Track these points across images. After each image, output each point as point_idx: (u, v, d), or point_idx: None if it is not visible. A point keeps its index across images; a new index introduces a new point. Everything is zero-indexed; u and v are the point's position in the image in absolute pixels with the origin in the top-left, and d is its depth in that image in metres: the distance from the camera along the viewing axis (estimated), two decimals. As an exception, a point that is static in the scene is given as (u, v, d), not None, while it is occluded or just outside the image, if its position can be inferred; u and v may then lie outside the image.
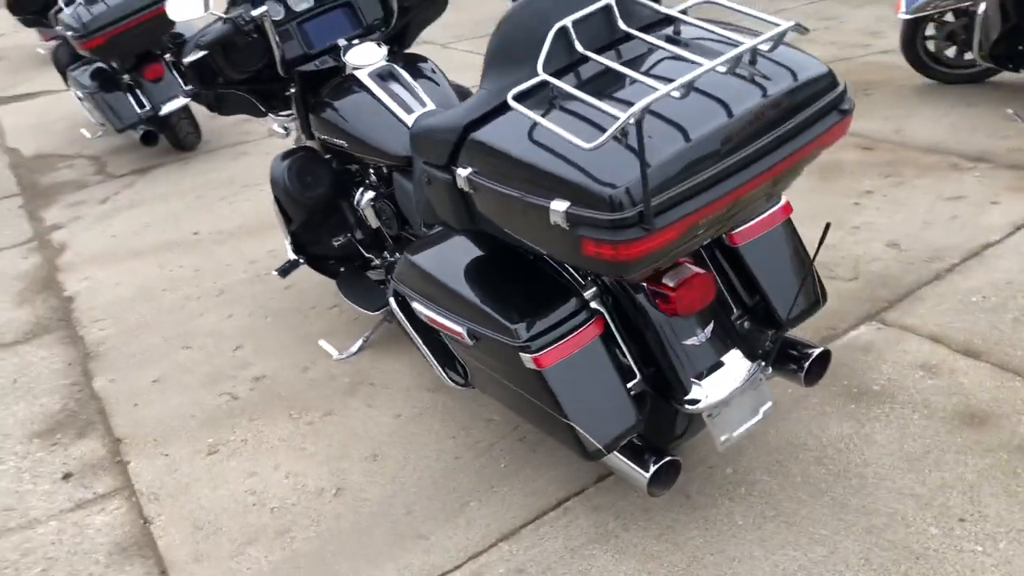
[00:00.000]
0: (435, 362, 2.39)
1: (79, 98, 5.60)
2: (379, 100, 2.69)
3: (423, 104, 2.65)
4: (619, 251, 1.64)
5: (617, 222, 1.61)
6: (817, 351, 2.17)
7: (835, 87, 1.80)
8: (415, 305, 2.23)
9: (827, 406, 2.54)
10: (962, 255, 3.24)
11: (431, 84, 2.78)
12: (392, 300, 2.38)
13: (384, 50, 2.85)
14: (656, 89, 1.60)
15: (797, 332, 2.78)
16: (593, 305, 2.04)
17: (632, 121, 1.60)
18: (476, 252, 2.13)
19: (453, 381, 2.37)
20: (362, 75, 2.77)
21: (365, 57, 2.83)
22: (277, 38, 2.82)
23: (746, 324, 2.22)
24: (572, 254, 1.74)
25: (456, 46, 7.59)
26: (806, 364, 2.16)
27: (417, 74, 2.80)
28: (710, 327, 2.07)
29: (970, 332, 2.78)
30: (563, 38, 1.84)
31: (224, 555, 2.34)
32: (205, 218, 4.62)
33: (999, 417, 2.41)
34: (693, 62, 1.71)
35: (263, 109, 3.10)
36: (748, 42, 1.70)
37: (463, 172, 1.90)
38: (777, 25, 1.75)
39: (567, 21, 1.83)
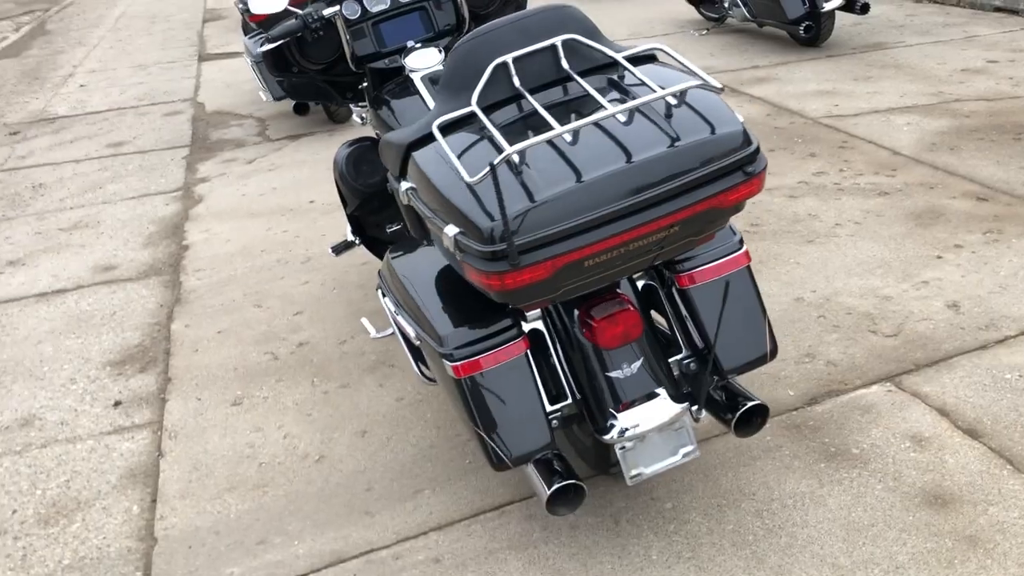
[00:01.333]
0: (410, 355, 2.55)
1: (249, 64, 6.14)
2: (424, 103, 2.86)
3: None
4: (492, 281, 1.74)
5: (491, 253, 1.71)
6: (752, 404, 2.15)
7: (745, 147, 1.80)
8: (385, 300, 2.41)
9: (796, 460, 2.51)
10: (1021, 328, 3.03)
11: None
12: (379, 293, 2.57)
13: (441, 56, 3.02)
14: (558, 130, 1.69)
15: (774, 381, 2.75)
16: (533, 326, 2.15)
17: (515, 159, 1.70)
18: (440, 263, 2.27)
19: (424, 376, 2.53)
20: (415, 77, 2.95)
21: (422, 61, 3.01)
22: (348, 36, 3.05)
23: (692, 366, 2.25)
24: (465, 276, 1.86)
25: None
26: (736, 414, 2.15)
27: None
28: (638, 363, 2.12)
29: (984, 410, 2.63)
30: (505, 73, 1.95)
31: (206, 496, 2.62)
32: (324, 189, 4.99)
33: (964, 503, 2.30)
34: (604, 107, 1.77)
35: (338, 98, 3.35)
36: (652, 95, 1.75)
37: (404, 186, 2.05)
38: (701, 81, 1.78)
39: (508, 58, 1.93)
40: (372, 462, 2.69)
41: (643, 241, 1.80)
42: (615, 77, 1.97)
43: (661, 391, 2.11)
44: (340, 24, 3.03)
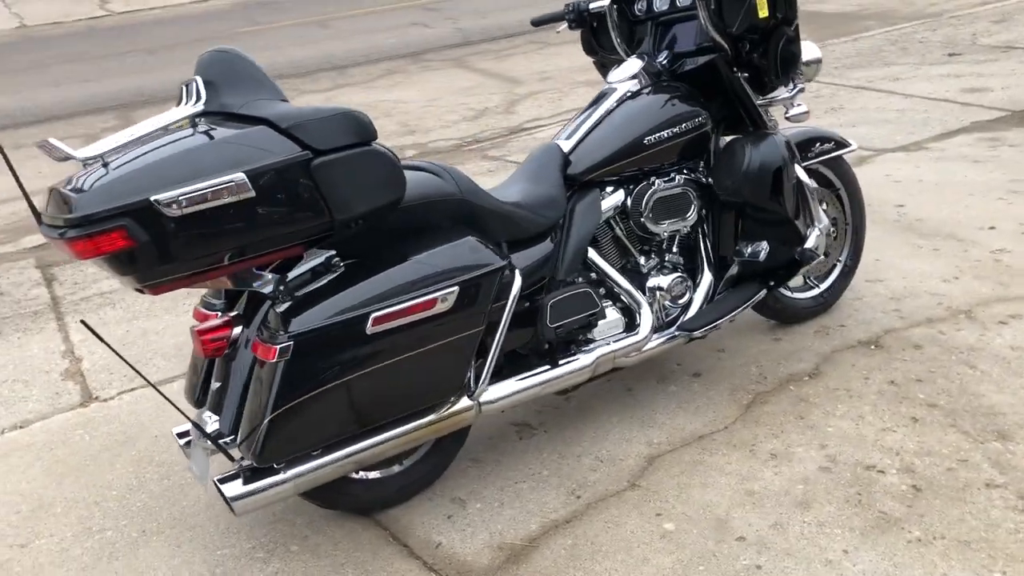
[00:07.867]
0: None
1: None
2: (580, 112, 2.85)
3: (571, 134, 2.73)
4: None
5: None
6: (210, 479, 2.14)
7: (70, 215, 1.79)
8: None
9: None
10: None
11: (614, 116, 2.78)
12: None
13: (634, 69, 2.86)
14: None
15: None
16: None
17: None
18: None
19: None
20: (605, 86, 2.91)
21: (619, 72, 2.89)
22: (620, 30, 3.04)
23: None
24: None
25: None
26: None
27: (624, 101, 2.80)
28: (218, 385, 2.22)
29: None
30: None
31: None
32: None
33: None
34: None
35: None
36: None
37: None
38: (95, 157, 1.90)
39: (184, 82, 2.14)
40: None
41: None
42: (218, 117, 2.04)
43: (213, 418, 2.18)
44: (609, 19, 3.05)
